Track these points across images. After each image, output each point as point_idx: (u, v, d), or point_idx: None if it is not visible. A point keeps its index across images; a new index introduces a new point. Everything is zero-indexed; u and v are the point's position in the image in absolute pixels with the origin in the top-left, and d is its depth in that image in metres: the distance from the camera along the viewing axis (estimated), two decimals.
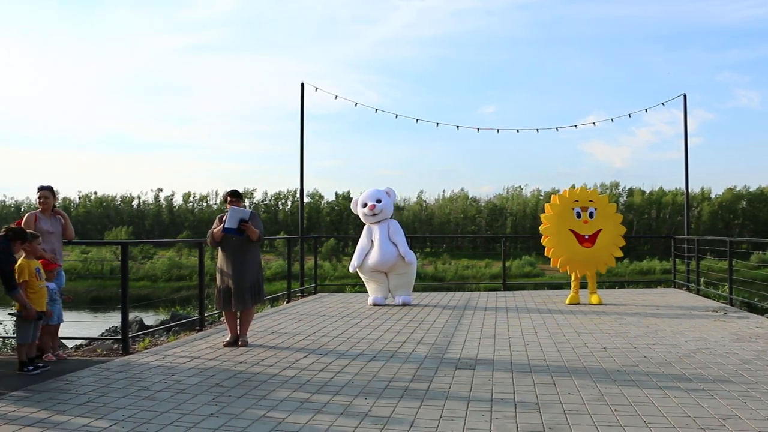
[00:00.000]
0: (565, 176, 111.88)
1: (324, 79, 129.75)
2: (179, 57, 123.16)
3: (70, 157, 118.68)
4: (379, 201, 11.94)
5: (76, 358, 7.31)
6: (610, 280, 18.27)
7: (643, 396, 5.39)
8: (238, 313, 8.00)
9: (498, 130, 18.16)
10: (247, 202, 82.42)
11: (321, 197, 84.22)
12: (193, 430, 4.58)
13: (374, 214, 11.92)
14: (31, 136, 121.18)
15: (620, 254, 11.91)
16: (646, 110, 17.13)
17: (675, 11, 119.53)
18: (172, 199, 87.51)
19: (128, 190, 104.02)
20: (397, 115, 16.94)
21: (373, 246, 11.81)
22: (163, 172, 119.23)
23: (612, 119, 17.64)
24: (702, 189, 78.89)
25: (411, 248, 12.18)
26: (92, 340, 9.16)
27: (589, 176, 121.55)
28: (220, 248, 7.98)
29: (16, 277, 6.27)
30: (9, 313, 7.13)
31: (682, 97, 15.61)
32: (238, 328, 7.99)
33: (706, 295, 13.19)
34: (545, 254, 12.18)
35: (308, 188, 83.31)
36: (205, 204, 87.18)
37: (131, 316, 10.42)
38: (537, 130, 17.90)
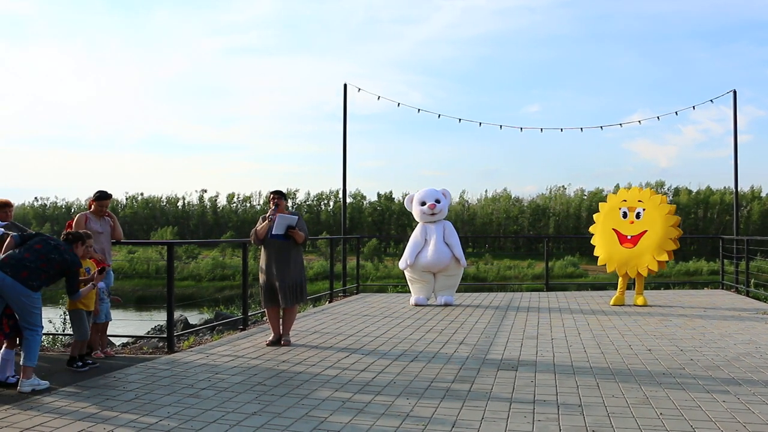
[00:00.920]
0: (609, 176, 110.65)
1: (366, 79, 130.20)
2: (220, 59, 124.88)
3: (117, 159, 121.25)
4: (438, 201, 11.96)
5: (124, 355, 7.47)
6: (655, 281, 17.95)
7: (690, 400, 5.28)
8: (281, 313, 8.08)
9: (542, 129, 17.89)
10: (289, 203, 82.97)
11: (363, 197, 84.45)
12: (236, 428, 4.64)
13: (433, 213, 11.93)
14: (80, 139, 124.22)
15: (666, 258, 11.40)
16: (693, 107, 16.77)
17: (721, 5, 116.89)
18: (216, 200, 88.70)
19: (173, 191, 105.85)
20: (439, 115, 16.93)
21: (428, 245, 11.79)
22: (207, 173, 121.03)
23: (658, 117, 17.33)
24: (752, 188, 76.91)
25: None
26: (139, 338, 9.34)
27: (634, 176, 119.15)
28: (263, 247, 8.07)
29: None
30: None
31: (731, 94, 15.28)
32: (281, 327, 8.07)
33: (756, 297, 12.87)
34: (594, 253, 12.11)
35: (350, 188, 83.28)
36: (248, 204, 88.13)
37: (176, 315, 10.60)
38: (581, 128, 17.61)
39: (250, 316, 9.79)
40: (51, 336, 9.39)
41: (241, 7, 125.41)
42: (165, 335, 8.07)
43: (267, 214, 8.02)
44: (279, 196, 8.14)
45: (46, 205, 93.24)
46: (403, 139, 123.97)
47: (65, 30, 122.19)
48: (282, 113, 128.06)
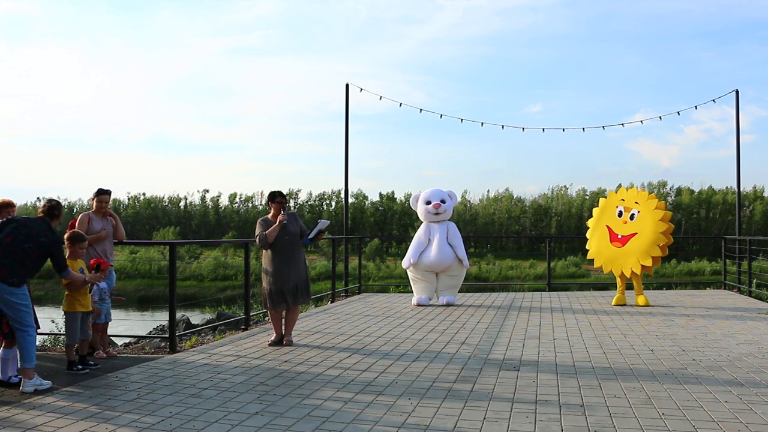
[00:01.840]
0: (611, 176, 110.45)
1: (369, 79, 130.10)
2: (223, 59, 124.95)
3: (120, 159, 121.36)
4: (443, 201, 11.98)
5: (125, 355, 7.47)
6: (657, 281, 17.94)
7: (692, 400, 5.28)
8: (284, 313, 8.07)
9: (543, 129, 17.88)
10: (292, 203, 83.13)
11: (365, 197, 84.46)
12: (238, 428, 4.64)
13: (437, 213, 11.95)
14: (82, 139, 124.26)
15: (649, 263, 11.24)
16: (695, 107, 16.80)
17: (724, 5, 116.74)
18: (218, 200, 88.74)
19: (175, 191, 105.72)
20: (441, 115, 16.96)
21: (431, 245, 11.80)
22: (209, 174, 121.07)
23: (660, 117, 17.35)
24: (754, 188, 76.86)
25: None
26: (141, 338, 9.35)
27: (636, 175, 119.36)
28: (270, 249, 8.02)
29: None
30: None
31: (734, 94, 15.27)
32: (283, 327, 8.06)
33: (759, 297, 12.86)
34: (586, 246, 12.16)
35: (352, 188, 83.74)
36: (250, 205, 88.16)
37: (178, 315, 10.60)
38: (583, 129, 17.61)
39: (252, 316, 9.79)
40: (53, 336, 9.42)
41: (244, 7, 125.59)
42: (167, 335, 8.09)
43: (279, 218, 7.96)
44: (285, 200, 8.17)
45: None
46: (405, 139, 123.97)
47: (68, 30, 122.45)
48: (284, 113, 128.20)
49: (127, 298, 37.27)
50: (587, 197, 78.53)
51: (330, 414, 4.95)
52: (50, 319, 10.70)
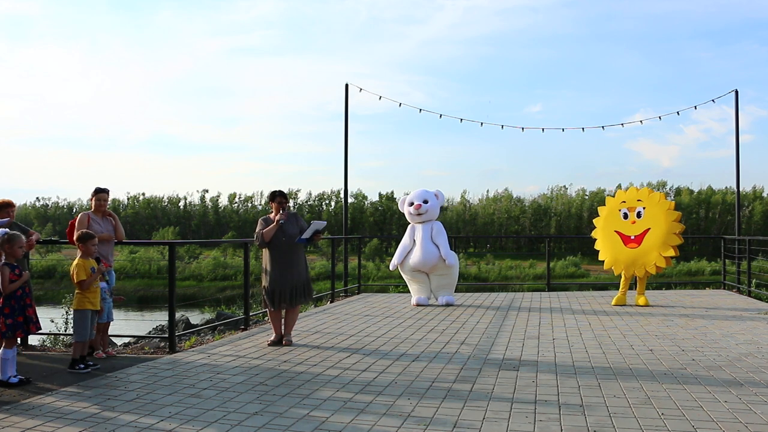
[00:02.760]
0: (611, 176, 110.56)
1: (368, 79, 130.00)
2: (223, 59, 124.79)
3: (119, 159, 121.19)
4: (426, 201, 11.96)
5: (125, 355, 7.47)
6: (657, 281, 17.95)
7: (692, 400, 5.28)
8: (283, 313, 8.07)
9: (543, 129, 17.89)
10: (291, 203, 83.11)
11: (365, 197, 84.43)
12: (237, 427, 4.64)
13: (419, 214, 11.93)
14: (82, 139, 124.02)
15: (672, 253, 11.36)
16: (695, 107, 16.83)
17: (724, 4, 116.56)
18: (217, 200, 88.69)
19: (175, 191, 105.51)
20: (441, 115, 16.98)
21: (415, 246, 11.83)
22: (208, 174, 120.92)
23: (660, 117, 17.40)
24: (754, 188, 76.82)
25: (454, 249, 12.22)
26: (140, 338, 9.35)
27: (636, 175, 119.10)
28: (267, 249, 8.05)
29: (74, 277, 6.46)
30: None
31: (733, 94, 15.29)
32: (283, 327, 8.06)
33: (758, 297, 12.87)
34: (599, 258, 12.07)
35: (352, 188, 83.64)
36: (250, 205, 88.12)
37: (178, 315, 10.60)
38: (583, 128, 17.63)
39: (252, 316, 9.79)
40: (52, 336, 9.42)
41: (244, 7, 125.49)
42: (166, 335, 8.09)
43: (276, 217, 7.98)
44: (285, 199, 8.15)
45: (47, 205, 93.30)
46: (404, 139, 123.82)
47: (68, 30, 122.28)
48: (284, 113, 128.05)
49: (127, 298, 37.27)
50: (587, 197, 78.49)
51: (329, 414, 4.95)
52: (49, 319, 10.68)
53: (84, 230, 6.86)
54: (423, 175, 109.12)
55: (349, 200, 19.79)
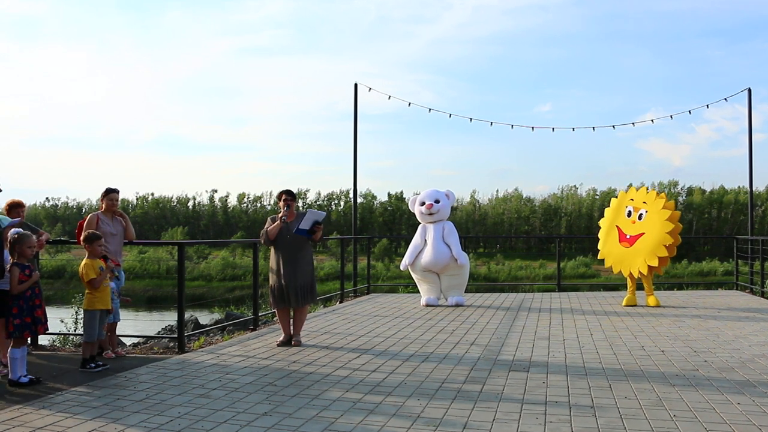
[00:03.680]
0: (621, 175, 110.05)
1: (377, 79, 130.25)
2: (232, 60, 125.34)
3: (128, 159, 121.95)
4: (437, 201, 11.94)
5: (134, 355, 7.48)
6: (668, 282, 17.85)
7: (704, 402, 5.23)
8: (292, 313, 8.07)
9: (553, 128, 17.83)
10: (300, 203, 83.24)
11: (374, 197, 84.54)
12: (246, 428, 4.63)
13: (430, 214, 11.91)
14: (91, 139, 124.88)
15: (655, 263, 11.12)
16: (707, 106, 16.69)
17: (736, 2, 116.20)
18: (226, 200, 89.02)
19: (184, 192, 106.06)
20: (450, 115, 16.95)
21: (426, 245, 11.79)
22: (217, 174, 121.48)
23: (671, 116, 17.32)
24: (767, 187, 76.37)
25: (464, 249, 12.16)
26: (149, 338, 9.36)
27: (647, 175, 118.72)
28: (273, 247, 8.06)
29: (84, 277, 6.48)
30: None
31: (746, 92, 15.19)
32: (292, 327, 8.06)
33: None
34: (597, 246, 12.12)
35: (361, 188, 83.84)
36: (259, 205, 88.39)
37: (187, 315, 10.61)
38: (593, 128, 17.55)
39: (261, 316, 9.79)
40: (62, 336, 9.45)
41: (253, 7, 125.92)
42: (176, 335, 8.09)
43: (279, 215, 8.01)
44: (291, 197, 8.13)
45: (57, 205, 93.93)
46: (413, 138, 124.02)
47: (77, 30, 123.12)
48: (293, 113, 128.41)
49: (136, 299, 37.43)
50: (597, 197, 78.31)
51: (339, 415, 4.93)
52: (59, 319, 10.71)
53: (90, 231, 6.87)
54: (432, 175, 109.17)
55: (359, 200, 19.75)
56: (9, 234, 6.23)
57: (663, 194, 11.72)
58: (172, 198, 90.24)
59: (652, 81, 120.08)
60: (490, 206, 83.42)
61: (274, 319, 9.71)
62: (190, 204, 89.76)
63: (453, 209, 13.23)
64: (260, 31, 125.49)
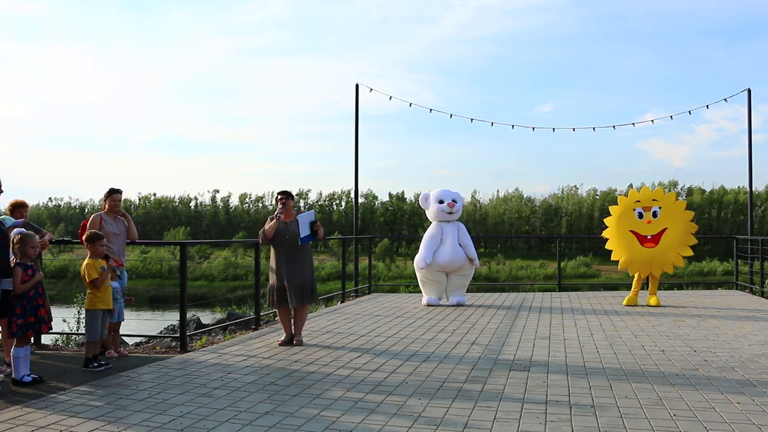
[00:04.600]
0: (622, 175, 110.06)
1: (378, 79, 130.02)
2: (233, 60, 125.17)
3: (130, 159, 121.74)
4: (454, 201, 11.99)
5: (137, 355, 7.51)
6: (668, 282, 17.87)
7: (704, 401, 5.25)
8: (293, 312, 8.09)
9: (554, 129, 17.85)
10: (301, 203, 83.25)
11: (375, 197, 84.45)
12: (248, 427, 4.65)
13: (450, 213, 11.95)
14: (93, 139, 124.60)
15: (690, 253, 11.49)
16: (707, 107, 16.70)
17: (736, 2, 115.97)
18: (228, 200, 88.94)
19: (186, 192, 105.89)
20: (451, 115, 16.97)
21: (444, 245, 11.79)
22: (219, 174, 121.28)
23: (671, 116, 17.33)
24: (766, 187, 76.23)
25: None
26: (152, 337, 9.38)
27: (647, 175, 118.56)
28: (272, 247, 8.08)
29: (86, 276, 6.52)
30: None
31: (746, 92, 15.21)
32: (293, 327, 8.08)
33: None
34: (611, 258, 11.96)
35: (362, 188, 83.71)
36: (260, 205, 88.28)
37: (189, 314, 10.65)
38: (594, 128, 17.57)
39: (263, 315, 9.81)
40: (65, 335, 9.48)
41: (254, 7, 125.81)
42: (178, 335, 8.12)
43: (275, 214, 8.05)
44: (286, 196, 8.14)
45: (60, 205, 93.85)
46: (414, 138, 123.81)
47: (77, 31, 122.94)
48: (294, 113, 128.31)
49: (139, 298, 37.45)
50: (598, 197, 78.21)
51: (340, 414, 4.95)
52: (62, 319, 10.75)
53: (92, 231, 6.90)
54: (433, 175, 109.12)
55: (360, 200, 19.77)
56: (12, 234, 6.27)
57: (673, 193, 11.77)
58: (174, 198, 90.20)
59: (652, 81, 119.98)
60: (490, 206, 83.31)
61: (276, 318, 9.73)
62: (192, 204, 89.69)
63: None
64: (261, 31, 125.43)
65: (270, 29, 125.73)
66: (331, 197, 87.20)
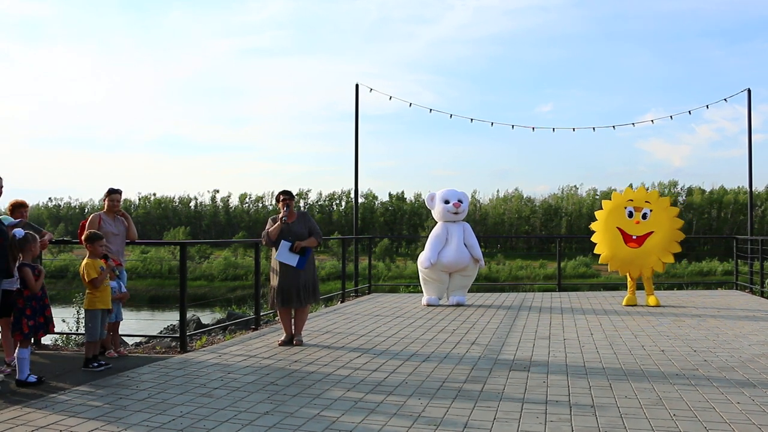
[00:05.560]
0: (621, 175, 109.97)
1: (378, 79, 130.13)
2: (233, 60, 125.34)
3: (130, 159, 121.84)
4: (460, 201, 11.99)
5: (136, 355, 7.50)
6: (668, 282, 17.87)
7: (704, 401, 5.25)
8: (293, 312, 8.09)
9: (554, 129, 17.89)
10: (302, 203, 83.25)
11: (375, 197, 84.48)
12: (248, 427, 4.65)
13: (456, 213, 11.95)
14: (93, 139, 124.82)
15: (671, 260, 11.47)
16: (707, 107, 16.70)
17: (736, 2, 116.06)
18: (228, 200, 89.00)
19: (186, 192, 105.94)
20: (451, 115, 16.97)
21: (449, 245, 11.78)
22: (219, 174, 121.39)
23: (671, 116, 17.34)
24: (766, 187, 76.25)
25: None
26: (151, 337, 9.38)
27: (647, 175, 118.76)
28: (274, 248, 8.08)
29: (85, 276, 6.52)
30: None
31: (746, 93, 15.21)
32: (293, 327, 8.08)
33: None
34: (594, 251, 12.02)
35: (362, 188, 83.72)
36: (260, 205, 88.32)
37: (189, 314, 10.65)
38: (593, 128, 17.61)
39: (263, 315, 9.81)
40: (65, 335, 9.48)
41: (254, 7, 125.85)
42: (178, 335, 8.11)
43: (279, 216, 8.04)
44: (289, 197, 8.14)
45: (59, 205, 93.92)
46: (414, 138, 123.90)
47: (78, 31, 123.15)
48: (294, 113, 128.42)
49: (138, 298, 37.51)
50: (597, 197, 78.21)
51: (340, 414, 4.95)
52: (61, 319, 10.74)
53: (92, 230, 6.91)
54: (433, 175, 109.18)
55: (360, 200, 19.78)
56: (13, 233, 6.26)
57: (667, 197, 11.76)
58: (174, 198, 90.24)
59: (652, 81, 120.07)
60: (490, 206, 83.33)
61: (276, 318, 9.73)
62: (192, 204, 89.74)
63: None
64: (261, 31, 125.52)
65: (270, 29, 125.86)
66: (331, 197, 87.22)
